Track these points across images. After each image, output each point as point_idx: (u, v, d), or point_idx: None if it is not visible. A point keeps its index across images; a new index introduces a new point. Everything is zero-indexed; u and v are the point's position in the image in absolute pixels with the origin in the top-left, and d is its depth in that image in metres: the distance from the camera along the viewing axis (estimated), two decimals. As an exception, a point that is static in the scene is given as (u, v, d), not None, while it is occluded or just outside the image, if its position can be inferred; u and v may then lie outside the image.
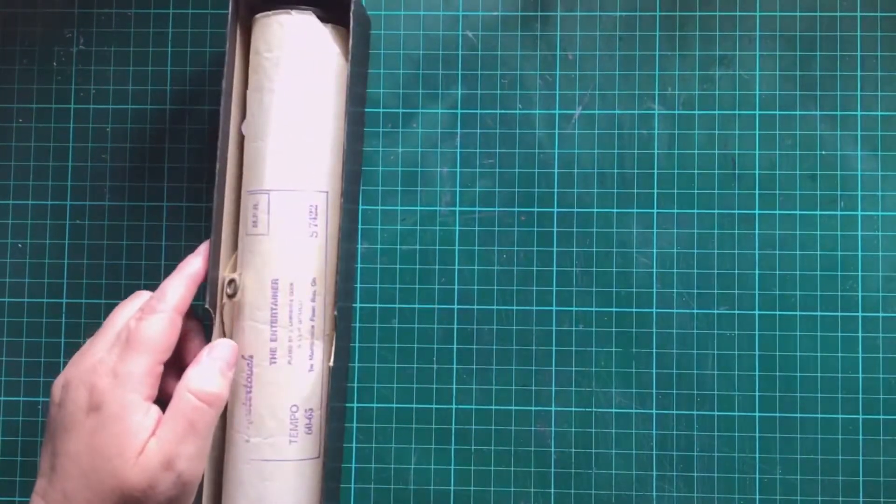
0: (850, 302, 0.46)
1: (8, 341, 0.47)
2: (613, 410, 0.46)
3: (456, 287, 0.46)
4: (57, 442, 0.35)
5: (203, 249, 0.40)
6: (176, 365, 0.38)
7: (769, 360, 0.46)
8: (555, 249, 0.46)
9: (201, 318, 0.41)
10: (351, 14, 0.40)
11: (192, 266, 0.39)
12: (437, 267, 0.46)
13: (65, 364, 0.38)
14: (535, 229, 0.46)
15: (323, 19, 0.41)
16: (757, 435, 0.45)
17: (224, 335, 0.41)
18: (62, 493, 0.34)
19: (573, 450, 0.46)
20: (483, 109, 0.47)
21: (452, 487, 0.45)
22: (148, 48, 0.48)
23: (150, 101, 0.47)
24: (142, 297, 0.39)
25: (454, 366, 0.46)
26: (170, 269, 0.46)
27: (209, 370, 0.37)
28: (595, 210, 0.46)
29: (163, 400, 0.37)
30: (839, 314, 0.46)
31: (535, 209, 0.46)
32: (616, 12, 0.47)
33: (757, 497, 0.45)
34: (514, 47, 0.47)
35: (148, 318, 0.37)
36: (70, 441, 0.34)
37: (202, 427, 0.35)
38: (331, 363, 0.40)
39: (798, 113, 0.46)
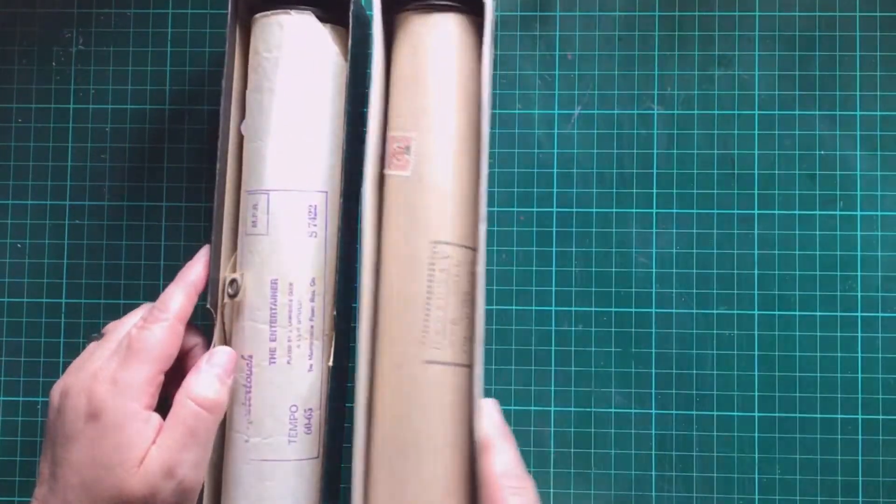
0: (849, 302, 0.46)
1: (7, 341, 0.47)
2: (612, 410, 0.46)
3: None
4: (57, 450, 0.35)
5: (202, 255, 0.40)
6: (179, 375, 0.38)
7: (768, 360, 0.46)
8: (554, 249, 0.46)
9: (203, 330, 0.41)
10: (350, 14, 0.40)
11: (193, 273, 0.39)
12: (436, 267, 0.46)
13: (64, 365, 0.38)
14: (534, 229, 0.46)
15: (322, 19, 0.41)
16: (756, 435, 0.45)
17: (225, 335, 0.41)
18: (63, 502, 0.34)
19: (572, 450, 0.46)
20: (482, 109, 0.47)
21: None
22: (147, 48, 0.48)
23: (149, 101, 0.47)
24: (145, 308, 0.39)
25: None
26: (169, 269, 0.46)
27: (208, 377, 0.37)
28: (594, 210, 0.46)
29: (166, 410, 0.37)
30: (838, 314, 0.46)
31: (534, 209, 0.46)
32: (615, 12, 0.47)
33: (756, 497, 0.45)
34: (513, 47, 0.47)
35: (149, 326, 0.37)
36: (71, 450, 0.34)
37: (202, 434, 0.36)
38: (330, 363, 0.40)
39: (797, 113, 0.46)
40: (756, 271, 0.46)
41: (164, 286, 0.45)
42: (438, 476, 0.38)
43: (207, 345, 0.41)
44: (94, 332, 0.46)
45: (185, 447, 0.35)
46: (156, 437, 0.35)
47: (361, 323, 0.38)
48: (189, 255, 0.45)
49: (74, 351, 0.39)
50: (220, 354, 0.38)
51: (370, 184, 0.39)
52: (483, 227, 0.39)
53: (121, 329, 0.38)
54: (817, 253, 0.46)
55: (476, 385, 0.38)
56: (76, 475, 0.34)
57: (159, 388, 0.36)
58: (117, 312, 0.46)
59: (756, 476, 0.45)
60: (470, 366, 0.39)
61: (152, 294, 0.46)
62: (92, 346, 0.38)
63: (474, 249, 0.40)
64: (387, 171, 0.40)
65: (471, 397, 0.39)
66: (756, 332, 0.46)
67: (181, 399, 0.36)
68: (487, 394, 0.45)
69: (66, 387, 0.36)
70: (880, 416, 0.45)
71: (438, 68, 0.40)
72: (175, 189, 0.47)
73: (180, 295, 0.38)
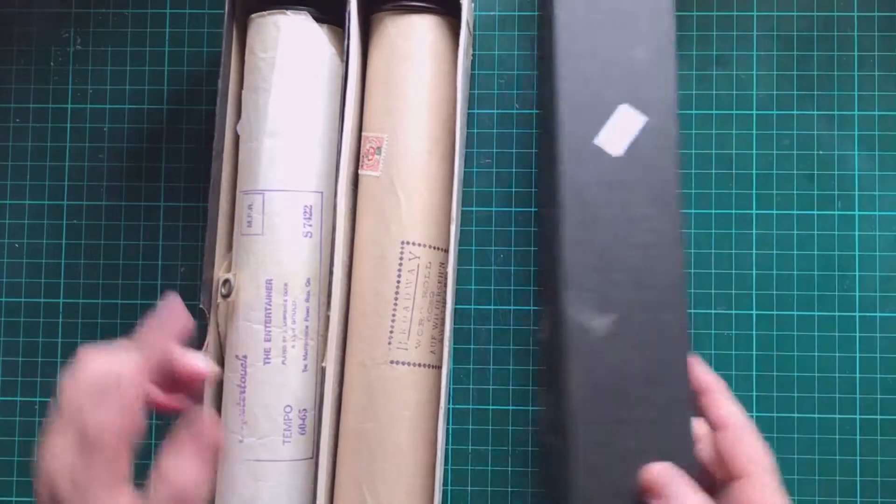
0: (847, 302, 0.46)
1: (5, 341, 0.47)
2: (611, 410, 0.46)
3: (453, 287, 0.46)
4: None
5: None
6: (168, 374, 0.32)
7: (767, 360, 0.46)
8: (552, 249, 0.46)
9: (199, 331, 0.41)
10: (346, 14, 0.40)
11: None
12: (433, 267, 0.46)
13: (61, 365, 0.38)
14: (533, 229, 0.46)
15: (318, 20, 0.41)
16: (754, 435, 0.45)
17: (219, 335, 0.41)
18: None
19: (570, 450, 0.46)
20: (480, 109, 0.47)
21: (450, 488, 0.45)
22: (145, 48, 0.48)
23: (147, 100, 0.47)
24: (92, 358, 0.32)
25: (452, 366, 0.46)
26: (167, 269, 0.46)
27: (185, 459, 0.32)
28: (592, 210, 0.46)
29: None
30: (836, 314, 0.45)
31: (533, 209, 0.46)
32: (613, 12, 0.47)
33: (754, 497, 0.45)
34: (511, 47, 0.47)
35: (103, 412, 0.30)
36: None
37: None
38: (324, 363, 0.40)
39: (795, 113, 0.46)
40: (754, 271, 0.46)
41: (162, 286, 0.46)
42: (401, 476, 0.39)
43: (193, 334, 0.37)
44: (89, 333, 0.46)
45: None
46: None
47: (333, 321, 0.39)
48: (187, 254, 0.46)
49: (72, 351, 0.39)
50: (202, 424, 0.32)
51: (344, 183, 0.40)
52: (454, 228, 0.40)
53: (73, 398, 0.31)
54: (815, 253, 0.46)
55: (443, 386, 0.39)
56: None
57: (131, 459, 0.31)
58: (115, 312, 0.46)
59: (754, 476, 0.45)
60: (437, 366, 0.40)
61: (150, 294, 0.46)
62: (53, 422, 0.31)
63: (445, 250, 0.40)
64: (360, 171, 0.41)
65: (438, 398, 0.39)
66: (754, 332, 0.46)
67: (157, 485, 0.31)
68: (485, 394, 0.46)
69: (39, 481, 0.30)
70: (878, 416, 0.45)
71: (410, 70, 0.41)
72: (173, 189, 0.47)
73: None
